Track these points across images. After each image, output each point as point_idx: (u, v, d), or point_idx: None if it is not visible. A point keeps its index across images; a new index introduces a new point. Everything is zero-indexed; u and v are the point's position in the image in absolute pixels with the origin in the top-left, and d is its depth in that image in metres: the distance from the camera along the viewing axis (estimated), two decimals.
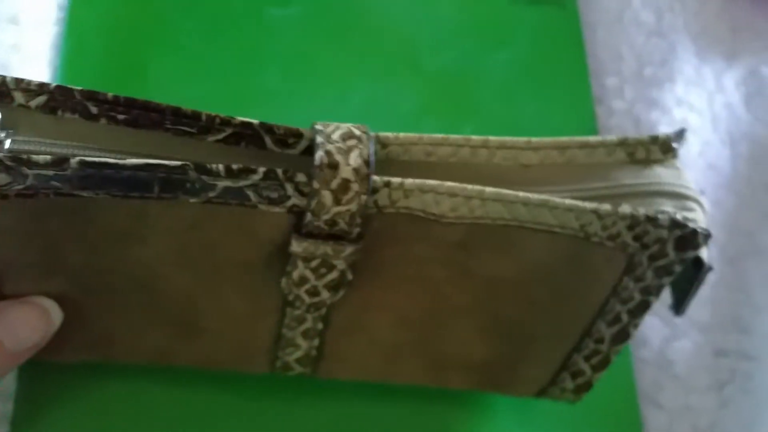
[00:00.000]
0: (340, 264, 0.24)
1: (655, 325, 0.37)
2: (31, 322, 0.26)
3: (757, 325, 0.37)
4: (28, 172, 0.20)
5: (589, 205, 0.23)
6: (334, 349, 0.28)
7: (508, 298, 0.26)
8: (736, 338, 0.37)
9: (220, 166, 0.21)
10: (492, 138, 0.25)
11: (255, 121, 0.23)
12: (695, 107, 0.41)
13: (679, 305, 0.28)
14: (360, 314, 0.26)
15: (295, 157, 0.23)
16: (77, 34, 0.38)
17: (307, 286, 0.24)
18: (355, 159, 0.22)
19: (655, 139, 0.26)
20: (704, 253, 0.25)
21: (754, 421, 0.35)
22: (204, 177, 0.21)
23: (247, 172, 0.21)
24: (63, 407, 0.32)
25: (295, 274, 0.24)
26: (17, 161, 0.20)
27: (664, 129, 0.40)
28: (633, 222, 0.24)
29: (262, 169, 0.22)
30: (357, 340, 0.27)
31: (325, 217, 0.22)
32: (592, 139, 0.25)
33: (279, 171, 0.22)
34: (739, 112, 0.43)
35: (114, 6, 0.39)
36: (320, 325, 0.26)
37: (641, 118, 0.41)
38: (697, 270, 0.25)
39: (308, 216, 0.22)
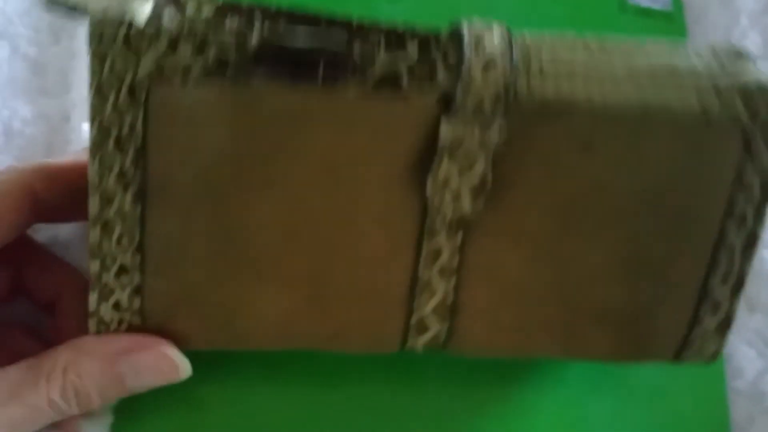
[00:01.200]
0: (482, 158, 0.24)
1: (751, 357, 0.37)
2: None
3: None
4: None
5: (708, 72, 0.24)
6: (468, 296, 0.26)
7: (638, 213, 0.25)
8: None
9: (374, 48, 0.23)
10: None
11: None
12: None
13: None
14: (492, 247, 0.26)
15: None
16: None
17: (451, 187, 0.24)
18: (498, 38, 0.23)
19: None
20: None
21: None
22: (366, 46, 0.23)
23: (405, 41, 0.23)
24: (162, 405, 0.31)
25: (441, 172, 0.24)
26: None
27: None
28: (746, 96, 0.24)
29: (416, 41, 0.23)
30: (490, 284, 0.26)
31: (474, 96, 0.23)
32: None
33: (432, 43, 0.23)
34: None
35: None
36: (456, 261, 0.25)
37: None
38: None
39: (458, 94, 0.23)
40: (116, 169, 0.23)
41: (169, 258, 0.25)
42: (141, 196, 0.24)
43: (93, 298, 0.25)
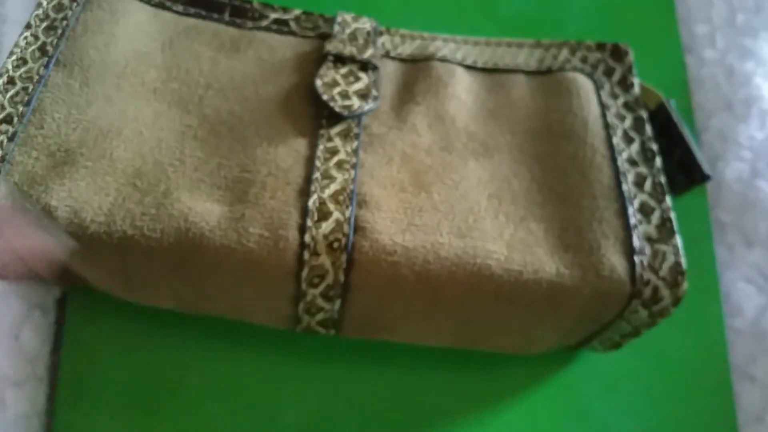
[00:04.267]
0: (365, 75, 0.30)
1: (750, 294, 0.34)
2: None
3: None
4: None
5: (532, 41, 0.33)
6: (369, 193, 0.27)
7: (524, 147, 0.30)
8: None
9: (274, 5, 0.32)
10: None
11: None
12: None
13: (692, 167, 0.32)
14: (388, 157, 0.28)
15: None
16: None
17: (338, 89, 0.29)
18: (363, 21, 0.32)
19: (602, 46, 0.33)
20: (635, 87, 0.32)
21: None
22: (261, 9, 0.32)
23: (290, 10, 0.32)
24: (109, 367, 0.30)
25: (328, 75, 0.30)
26: None
27: (760, 81, 0.37)
28: (571, 47, 0.33)
29: (300, 11, 0.32)
30: (387, 189, 0.28)
31: (348, 28, 0.31)
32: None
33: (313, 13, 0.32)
34: None
35: None
36: (353, 160, 0.28)
37: (735, 68, 0.37)
38: (667, 122, 0.32)
39: (336, 28, 0.31)
40: (41, 42, 0.28)
41: (52, 119, 0.27)
42: (49, 65, 0.28)
43: None
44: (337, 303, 0.26)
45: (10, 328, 0.29)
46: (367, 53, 0.30)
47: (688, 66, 0.38)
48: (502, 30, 0.37)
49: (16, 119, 0.26)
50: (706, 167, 0.32)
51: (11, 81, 0.27)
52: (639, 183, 0.29)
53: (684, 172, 0.33)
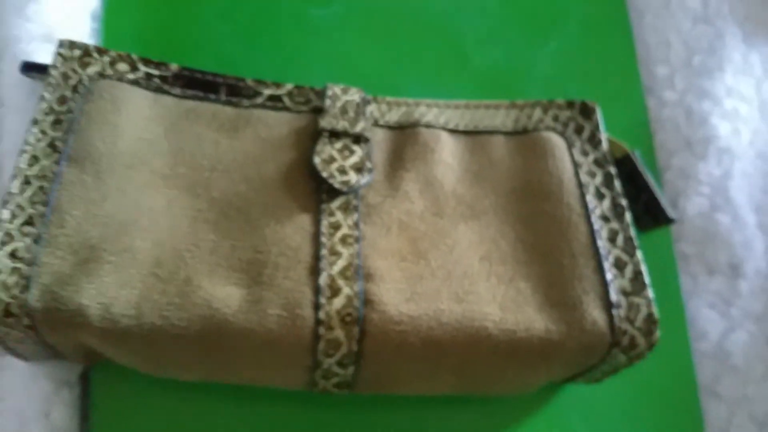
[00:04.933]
0: (359, 148, 0.32)
1: (713, 319, 0.38)
2: None
3: None
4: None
5: (507, 102, 0.35)
6: (374, 266, 0.29)
7: (506, 209, 0.32)
8: None
9: (266, 81, 0.34)
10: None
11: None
12: (745, 96, 0.41)
13: (657, 211, 0.35)
14: (385, 227, 0.31)
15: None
16: (113, 44, 0.36)
17: (336, 165, 0.31)
18: (353, 90, 0.34)
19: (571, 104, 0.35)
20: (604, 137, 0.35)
21: None
22: (255, 86, 0.33)
23: (282, 85, 0.34)
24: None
25: (324, 152, 0.32)
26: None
27: (716, 120, 0.40)
28: (544, 106, 0.35)
29: (292, 84, 0.34)
30: (388, 259, 0.30)
31: (338, 102, 0.33)
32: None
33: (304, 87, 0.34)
34: None
35: (149, 14, 0.37)
36: (356, 233, 0.30)
37: (693, 109, 0.40)
38: (633, 171, 0.35)
39: (327, 103, 0.33)
40: (50, 138, 0.29)
41: (71, 216, 0.28)
42: (61, 161, 0.29)
43: None
44: (351, 369, 0.29)
45: (40, 407, 0.30)
46: (359, 126, 0.33)
47: (649, 108, 0.41)
48: (476, 80, 0.40)
49: (38, 220, 0.27)
50: (669, 212, 0.36)
51: (27, 181, 0.28)
52: (612, 239, 0.32)
53: (649, 215, 0.37)
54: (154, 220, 0.29)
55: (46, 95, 0.30)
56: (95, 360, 0.31)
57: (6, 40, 0.34)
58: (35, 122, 0.30)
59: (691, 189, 0.39)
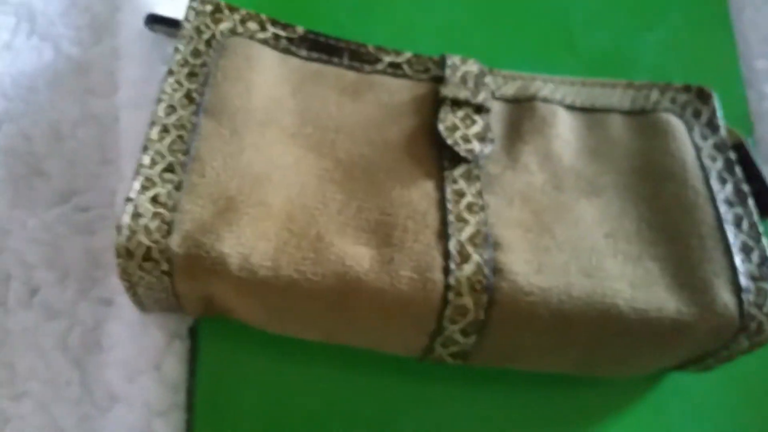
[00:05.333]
0: (479, 117, 0.32)
1: None
2: None
3: None
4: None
5: (624, 81, 0.35)
6: (501, 235, 0.29)
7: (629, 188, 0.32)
8: None
9: (386, 48, 0.34)
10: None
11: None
12: None
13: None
14: (507, 200, 0.31)
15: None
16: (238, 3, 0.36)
17: (459, 132, 0.31)
18: (471, 64, 0.34)
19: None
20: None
21: None
22: (376, 52, 0.34)
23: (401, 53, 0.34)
24: (243, 394, 0.31)
25: (448, 119, 0.32)
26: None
27: None
28: (661, 88, 0.35)
29: (411, 53, 0.34)
30: (514, 231, 0.30)
31: (458, 72, 0.33)
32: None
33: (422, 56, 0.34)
34: None
35: None
36: (480, 201, 0.30)
37: None
38: (745, 159, 0.34)
39: (447, 72, 0.33)
40: (186, 89, 0.30)
41: (211, 167, 0.28)
42: (198, 113, 0.29)
43: (135, 186, 0.27)
44: (473, 338, 0.29)
45: (153, 358, 0.30)
46: (480, 96, 0.32)
47: (749, 101, 0.41)
48: (582, 64, 0.39)
49: (178, 168, 0.27)
50: None
51: (165, 129, 0.28)
52: (737, 224, 0.31)
53: (759, 204, 0.36)
54: (284, 176, 0.29)
55: (181, 47, 0.30)
56: (209, 313, 0.31)
57: None
58: (171, 73, 0.29)
59: None
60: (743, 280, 0.30)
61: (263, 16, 0.32)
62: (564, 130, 0.33)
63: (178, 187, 0.27)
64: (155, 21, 0.32)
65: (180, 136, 0.28)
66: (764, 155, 0.40)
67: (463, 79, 0.33)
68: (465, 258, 0.28)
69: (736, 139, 0.36)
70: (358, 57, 0.33)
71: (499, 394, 0.33)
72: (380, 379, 0.33)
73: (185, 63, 0.30)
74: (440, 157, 0.31)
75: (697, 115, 0.34)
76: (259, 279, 0.26)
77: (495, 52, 0.39)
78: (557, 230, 0.30)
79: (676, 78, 0.40)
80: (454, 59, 0.33)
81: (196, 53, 0.30)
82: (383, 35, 0.37)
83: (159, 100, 0.29)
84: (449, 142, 0.31)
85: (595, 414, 0.34)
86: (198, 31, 0.31)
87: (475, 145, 0.31)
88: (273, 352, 0.32)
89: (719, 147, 0.34)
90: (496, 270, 0.28)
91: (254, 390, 0.32)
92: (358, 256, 0.27)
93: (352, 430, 0.32)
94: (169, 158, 0.27)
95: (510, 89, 0.34)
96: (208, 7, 0.31)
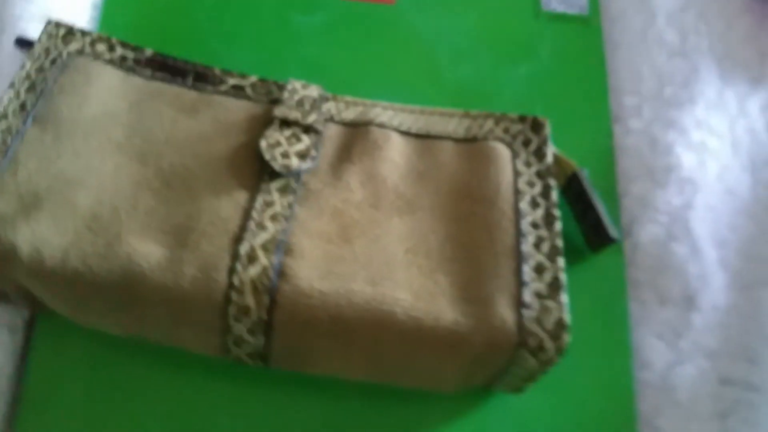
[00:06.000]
0: (306, 138, 0.34)
1: (660, 349, 0.37)
2: None
3: (766, 356, 0.37)
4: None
5: (461, 111, 0.36)
6: (296, 243, 0.31)
7: (440, 208, 0.33)
8: (743, 367, 0.36)
9: (233, 72, 0.36)
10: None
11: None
12: (715, 130, 0.41)
13: (600, 230, 0.36)
14: (318, 212, 0.32)
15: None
16: (107, 33, 0.40)
17: (280, 149, 0.33)
18: (312, 89, 0.36)
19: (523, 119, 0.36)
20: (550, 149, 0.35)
21: None
22: (221, 75, 0.36)
23: (247, 77, 0.36)
24: (70, 388, 0.33)
25: (272, 137, 0.33)
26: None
27: (681, 150, 0.40)
28: (496, 118, 0.36)
29: (256, 77, 0.36)
30: (313, 241, 0.31)
31: (296, 95, 0.35)
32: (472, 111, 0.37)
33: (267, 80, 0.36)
34: (763, 138, 0.42)
35: (145, 8, 0.41)
36: (287, 212, 0.32)
37: (658, 138, 0.40)
38: (578, 185, 0.36)
39: (285, 95, 0.35)
40: (21, 100, 0.33)
41: (25, 168, 0.31)
42: (27, 121, 0.32)
43: None
44: (261, 338, 0.30)
45: None
46: (311, 118, 0.34)
47: (615, 135, 0.41)
48: (444, 96, 0.41)
49: None
50: (611, 231, 0.35)
51: None
52: (537, 244, 0.32)
53: (595, 233, 0.36)
54: (100, 181, 0.31)
55: (27, 64, 0.33)
56: (39, 308, 0.33)
57: (9, 18, 0.38)
58: (12, 85, 0.33)
59: (647, 216, 0.39)
60: (527, 297, 0.30)
61: (113, 39, 0.35)
62: (394, 154, 0.34)
63: None
64: (22, 44, 0.36)
65: (4, 140, 0.31)
66: (623, 189, 0.40)
67: (300, 103, 0.35)
68: (252, 261, 0.30)
69: (571, 170, 0.36)
70: (203, 78, 0.36)
71: (326, 402, 0.34)
72: (205, 382, 0.34)
73: (27, 77, 0.33)
74: (261, 173, 0.33)
75: (526, 143, 0.35)
76: (46, 269, 0.28)
77: (361, 83, 0.41)
78: (358, 243, 0.31)
79: (542, 112, 0.41)
80: (295, 84, 0.36)
81: (39, 69, 0.34)
82: (251, 64, 0.40)
83: None
84: (267, 157, 0.33)
85: (422, 427, 0.34)
86: (47, 51, 0.34)
87: (294, 161, 0.33)
88: (103, 350, 0.34)
89: (541, 174, 0.34)
90: (282, 274, 0.29)
91: (80, 385, 0.33)
92: (148, 254, 0.29)
93: (166, 425, 0.33)
94: None
95: (350, 114, 0.36)
96: (62, 30, 0.35)
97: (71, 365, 0.34)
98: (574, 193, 0.37)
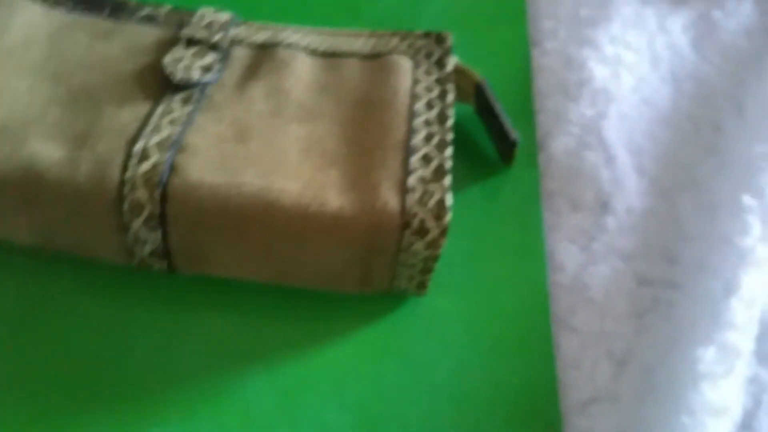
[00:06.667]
0: (212, 54, 0.36)
1: (573, 252, 0.37)
2: None
3: (685, 255, 0.36)
4: None
5: (368, 31, 0.38)
6: (190, 142, 0.32)
7: (338, 115, 0.35)
8: (662, 268, 0.36)
9: (149, 4, 0.39)
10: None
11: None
12: (632, 46, 0.41)
13: (503, 136, 0.37)
14: (215, 119, 0.34)
15: None
16: None
17: (183, 63, 0.35)
18: (222, 15, 0.38)
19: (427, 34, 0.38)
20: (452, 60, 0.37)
21: (671, 348, 0.34)
22: (136, 6, 0.39)
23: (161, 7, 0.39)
24: None
25: (177, 52, 0.36)
26: None
27: (594, 65, 0.40)
28: (402, 35, 0.38)
29: (170, 6, 0.39)
30: (206, 140, 0.33)
31: (205, 20, 0.37)
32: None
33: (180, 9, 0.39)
34: (686, 53, 0.42)
35: None
36: (184, 118, 0.33)
37: (572, 56, 0.41)
38: (483, 95, 0.37)
39: (195, 18, 0.37)
40: None
41: None
42: None
43: None
44: (159, 233, 0.31)
45: None
46: (217, 37, 0.36)
47: (532, 57, 0.42)
48: (365, 28, 0.42)
49: None
50: (511, 133, 0.36)
51: None
52: (427, 138, 0.33)
53: (500, 140, 0.37)
54: (13, 96, 0.34)
55: None
56: None
57: None
58: None
59: (559, 129, 0.39)
60: (411, 182, 0.31)
61: None
62: (301, 71, 0.36)
63: None
64: None
65: None
66: (539, 106, 0.41)
67: (209, 25, 0.37)
68: (145, 157, 0.31)
69: (476, 80, 0.37)
70: (118, 10, 0.38)
71: (235, 310, 0.35)
72: (121, 298, 0.35)
73: None
74: (166, 87, 0.35)
75: (428, 55, 0.36)
76: None
77: (279, 17, 0.42)
78: (253, 144, 0.33)
79: (461, 39, 0.42)
80: (206, 11, 0.38)
81: None
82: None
83: None
84: (168, 70, 0.35)
85: (332, 330, 0.35)
86: None
87: (195, 73, 0.35)
88: (27, 272, 0.36)
89: (440, 80, 0.35)
90: (173, 168, 0.31)
91: (5, 302, 0.35)
92: (48, 155, 0.31)
93: (80, 340, 0.35)
94: None
95: (261, 37, 0.38)
96: None
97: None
98: (480, 104, 0.37)
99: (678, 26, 0.43)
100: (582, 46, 0.41)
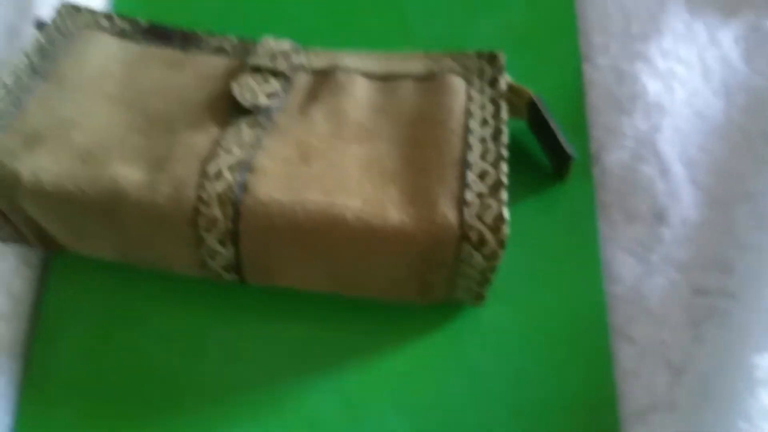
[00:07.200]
0: (274, 81, 0.38)
1: (630, 263, 0.37)
2: None
3: (740, 265, 0.37)
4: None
5: (423, 53, 0.40)
6: (260, 164, 0.34)
7: (395, 134, 0.36)
8: (717, 277, 0.37)
9: (217, 35, 0.41)
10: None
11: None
12: (683, 59, 0.42)
13: (558, 150, 0.38)
14: (283, 142, 0.35)
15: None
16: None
17: (249, 90, 0.37)
18: (284, 43, 0.40)
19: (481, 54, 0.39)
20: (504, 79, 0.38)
21: (728, 356, 0.34)
22: (205, 38, 0.41)
23: (228, 38, 0.41)
24: (80, 317, 0.37)
25: (243, 79, 0.38)
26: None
27: (647, 79, 0.41)
28: (455, 57, 0.39)
29: (236, 38, 0.41)
30: (275, 162, 0.34)
31: (267, 48, 0.39)
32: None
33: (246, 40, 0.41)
34: (737, 65, 0.42)
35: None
36: (253, 140, 0.35)
37: (624, 70, 0.42)
38: (536, 111, 0.38)
39: (259, 49, 0.39)
40: (33, 64, 0.38)
41: (32, 115, 0.36)
42: (37, 79, 0.38)
43: None
44: (231, 248, 0.33)
45: (3, 275, 0.38)
46: (280, 65, 0.38)
47: (584, 72, 0.43)
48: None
49: (7, 116, 0.36)
50: (568, 149, 0.37)
51: (9, 91, 0.37)
52: (483, 155, 0.34)
53: (556, 156, 0.38)
54: (95, 123, 0.36)
55: (40, 37, 0.39)
56: (50, 246, 0.38)
57: (30, 3, 0.44)
58: (25, 53, 0.38)
59: (613, 142, 0.40)
60: (469, 196, 0.32)
61: (114, 15, 0.41)
62: (359, 94, 0.38)
63: (1, 129, 0.35)
64: (41, 26, 0.42)
65: (18, 97, 0.36)
66: (592, 121, 0.41)
67: (272, 54, 0.39)
68: (218, 178, 0.33)
69: (529, 98, 0.38)
70: (187, 40, 0.40)
71: (302, 320, 0.37)
72: (196, 307, 0.38)
73: (39, 46, 0.39)
74: (235, 112, 0.37)
75: (481, 75, 0.38)
76: (43, 191, 0.33)
77: (334, 43, 0.44)
78: (316, 164, 0.34)
79: (514, 58, 0.44)
80: (269, 40, 0.40)
81: (50, 41, 0.39)
82: (238, 29, 0.45)
83: (11, 72, 0.37)
84: (236, 95, 0.37)
85: (392, 341, 0.36)
86: (57, 26, 0.40)
87: (261, 99, 0.37)
88: (109, 283, 0.38)
89: (493, 99, 0.37)
90: (245, 188, 0.33)
91: (88, 314, 0.38)
92: (129, 177, 0.33)
93: (162, 346, 0.37)
94: (1, 108, 0.36)
95: (320, 63, 0.40)
96: (72, 10, 0.40)
97: (81, 297, 0.38)
98: (534, 120, 0.39)
99: (729, 38, 0.43)
100: (634, 61, 0.42)
